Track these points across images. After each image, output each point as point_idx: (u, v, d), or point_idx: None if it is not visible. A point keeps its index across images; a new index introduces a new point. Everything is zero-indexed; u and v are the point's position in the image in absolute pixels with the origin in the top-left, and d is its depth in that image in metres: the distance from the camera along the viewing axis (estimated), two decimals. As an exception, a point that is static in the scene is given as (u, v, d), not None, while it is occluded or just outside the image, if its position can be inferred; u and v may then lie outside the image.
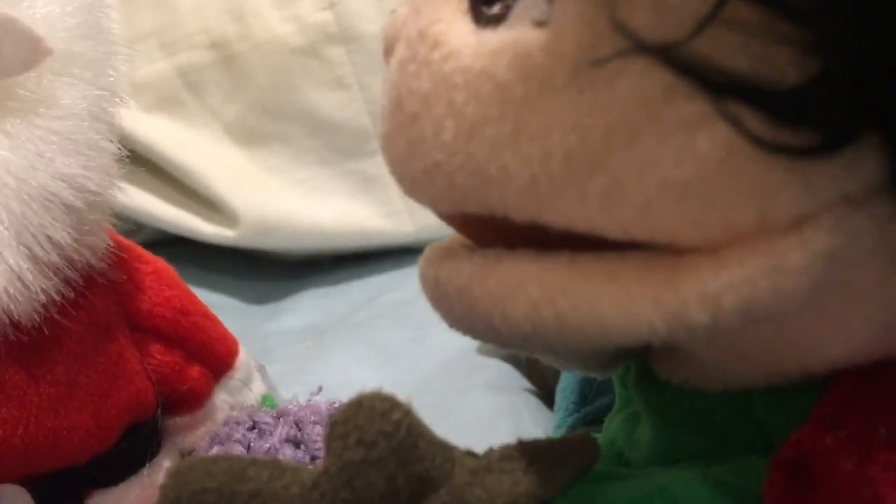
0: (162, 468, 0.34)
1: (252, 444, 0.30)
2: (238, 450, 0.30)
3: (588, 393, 0.40)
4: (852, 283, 0.19)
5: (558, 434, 0.42)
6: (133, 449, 0.32)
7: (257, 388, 0.39)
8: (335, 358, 0.57)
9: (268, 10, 0.71)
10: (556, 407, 0.43)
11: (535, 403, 0.47)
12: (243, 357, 0.38)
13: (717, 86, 0.17)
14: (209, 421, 0.36)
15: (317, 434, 0.30)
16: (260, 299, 0.69)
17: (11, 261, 0.26)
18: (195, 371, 0.35)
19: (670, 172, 0.18)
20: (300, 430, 0.31)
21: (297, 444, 0.30)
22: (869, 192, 0.17)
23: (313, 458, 0.30)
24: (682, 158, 0.18)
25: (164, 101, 0.71)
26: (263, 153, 0.71)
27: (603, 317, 0.19)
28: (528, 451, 0.21)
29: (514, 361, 0.52)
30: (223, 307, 0.69)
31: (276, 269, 0.73)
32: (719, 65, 0.17)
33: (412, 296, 0.71)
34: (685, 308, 0.18)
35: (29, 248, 0.27)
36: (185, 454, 0.36)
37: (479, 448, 0.44)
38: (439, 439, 0.20)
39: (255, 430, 0.31)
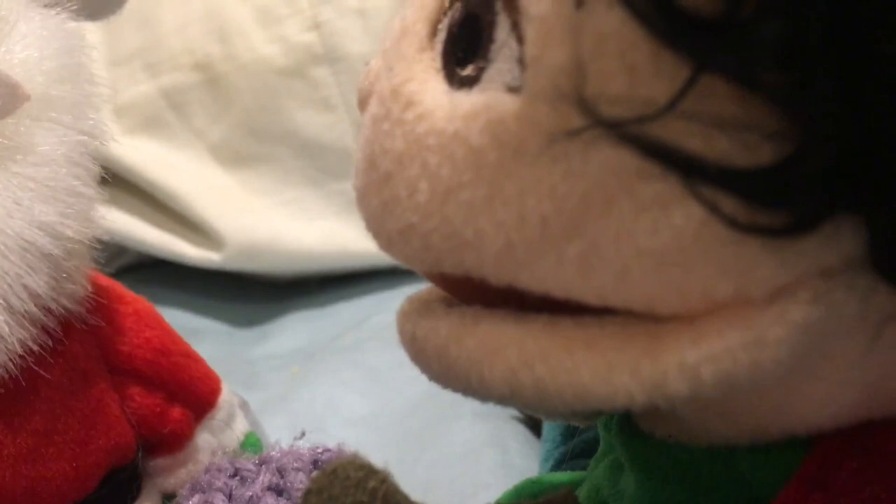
0: (143, 511, 0.34)
1: (234, 492, 0.30)
2: (219, 498, 0.30)
3: (575, 426, 0.40)
4: (835, 352, 0.19)
5: (545, 466, 0.42)
6: (113, 494, 0.32)
7: (240, 427, 0.38)
8: (322, 383, 0.57)
9: (252, 30, 0.70)
10: (543, 438, 0.43)
11: (522, 432, 0.47)
12: (226, 395, 0.38)
13: (688, 169, 0.17)
14: (191, 462, 0.36)
15: (299, 481, 0.30)
16: (246, 323, 0.69)
17: None
18: (176, 412, 0.35)
19: (646, 242, 0.18)
20: (282, 477, 0.30)
21: (279, 492, 0.30)
22: (848, 264, 0.17)
23: None
24: (658, 230, 0.18)
25: (149, 122, 0.71)
26: (249, 174, 0.71)
27: (581, 384, 0.19)
28: None
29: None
30: (208, 331, 0.69)
31: (261, 292, 0.72)
32: (689, 148, 0.17)
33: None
34: (664, 378, 0.18)
35: (5, 299, 0.26)
36: (165, 497, 0.36)
37: (465, 479, 0.44)
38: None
39: (237, 478, 0.31)
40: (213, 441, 0.36)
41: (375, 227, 0.22)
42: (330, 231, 0.70)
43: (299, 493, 0.29)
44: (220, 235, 0.68)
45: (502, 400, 0.20)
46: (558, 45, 0.17)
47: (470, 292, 0.21)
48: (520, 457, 0.45)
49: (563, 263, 0.19)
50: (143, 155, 0.69)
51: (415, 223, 0.20)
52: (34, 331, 0.27)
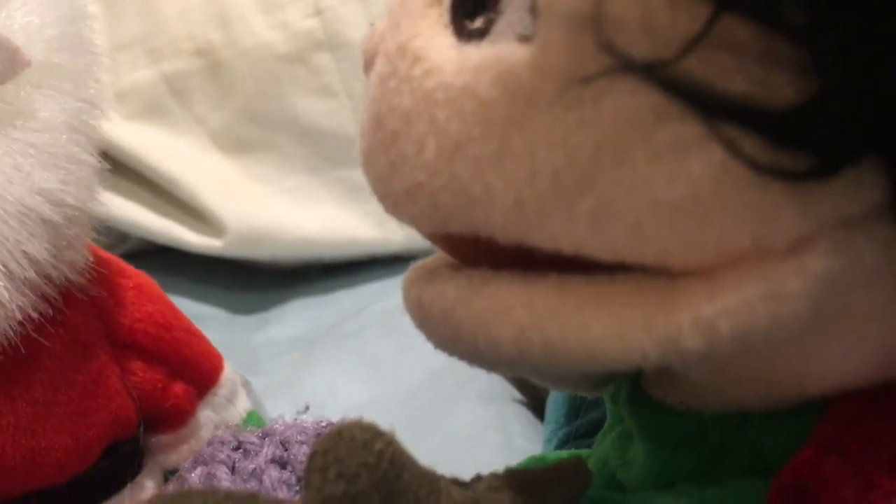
0: (144, 487, 0.33)
1: (237, 465, 0.30)
2: (222, 470, 0.29)
3: (579, 406, 0.40)
4: (855, 307, 0.18)
5: (549, 447, 0.42)
6: (114, 468, 0.32)
7: (242, 404, 0.38)
8: (323, 369, 0.57)
9: (254, 16, 0.70)
10: (546, 419, 0.42)
11: (524, 415, 0.47)
12: (228, 372, 0.37)
13: (710, 108, 0.16)
14: (193, 439, 0.35)
15: (303, 454, 0.29)
16: (247, 310, 0.68)
17: None
18: (178, 388, 0.34)
19: (661, 193, 0.17)
20: (286, 450, 0.30)
21: (282, 465, 0.30)
22: (869, 214, 0.17)
23: (299, 479, 0.29)
24: (674, 179, 0.17)
25: (150, 109, 0.70)
26: (250, 161, 0.70)
27: (593, 343, 0.18)
28: (516, 481, 0.20)
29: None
30: (210, 318, 0.68)
31: (263, 279, 0.72)
32: (712, 86, 0.16)
33: (401, 305, 0.70)
34: (679, 334, 0.18)
35: (4, 265, 0.26)
36: (168, 472, 0.35)
37: (468, 462, 0.43)
38: (424, 469, 0.19)
39: (240, 450, 0.30)
40: (215, 418, 0.36)
41: (382, 188, 0.21)
42: (331, 218, 0.70)
43: (303, 466, 0.29)
44: (221, 222, 0.68)
45: (511, 363, 0.20)
46: None
47: (477, 254, 0.21)
48: (522, 439, 0.44)
49: (574, 218, 0.18)
50: (144, 141, 0.69)
51: (422, 181, 0.20)
52: (34, 298, 0.27)
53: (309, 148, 0.70)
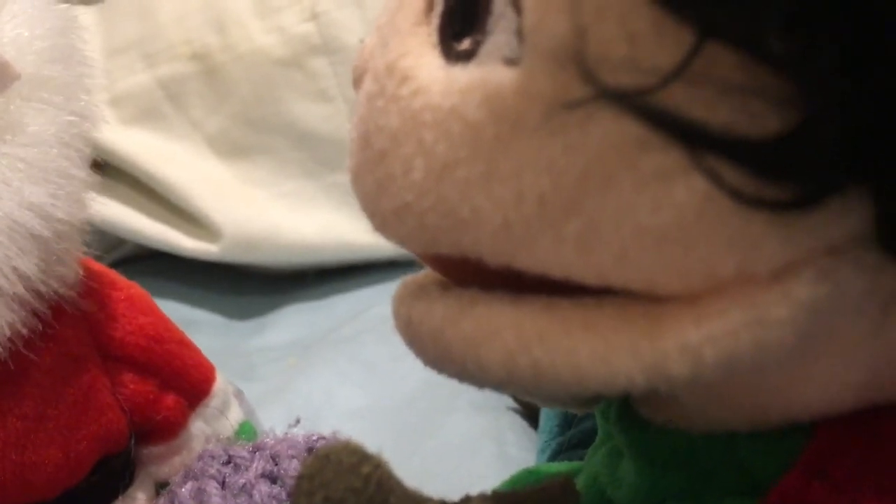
0: (136, 500, 0.33)
1: (227, 479, 0.29)
2: (212, 485, 0.29)
3: (572, 416, 0.40)
4: (841, 332, 0.18)
5: (542, 458, 0.42)
6: (105, 481, 0.32)
7: (234, 415, 0.38)
8: (319, 375, 0.56)
9: (250, 21, 0.70)
10: (539, 429, 0.42)
11: (519, 424, 0.47)
12: (220, 383, 0.37)
13: (692, 138, 0.16)
14: (185, 450, 0.35)
15: (294, 469, 0.29)
16: (243, 315, 0.68)
17: None
18: (170, 400, 0.34)
19: (647, 219, 0.17)
20: (276, 464, 0.30)
21: (273, 480, 0.30)
22: (855, 241, 0.17)
23: (290, 495, 0.29)
24: (659, 206, 0.17)
25: (146, 113, 0.70)
26: (246, 166, 0.70)
27: (580, 367, 0.18)
28: (505, 502, 0.20)
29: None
30: (205, 323, 0.68)
31: (259, 284, 0.72)
32: (693, 117, 0.16)
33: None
34: (664, 360, 0.18)
35: None
36: (159, 484, 0.35)
37: (462, 471, 0.43)
38: (412, 492, 0.19)
39: (231, 465, 0.30)
40: (207, 429, 0.36)
41: (370, 207, 0.21)
42: (327, 223, 0.70)
43: (293, 482, 0.29)
44: (217, 227, 0.68)
45: (499, 384, 0.20)
46: (557, 13, 0.17)
47: (466, 274, 0.21)
48: (516, 448, 0.44)
49: (561, 242, 0.18)
50: (139, 146, 0.69)
51: (410, 202, 0.20)
52: (24, 314, 0.27)
53: (305, 152, 0.70)
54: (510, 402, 0.49)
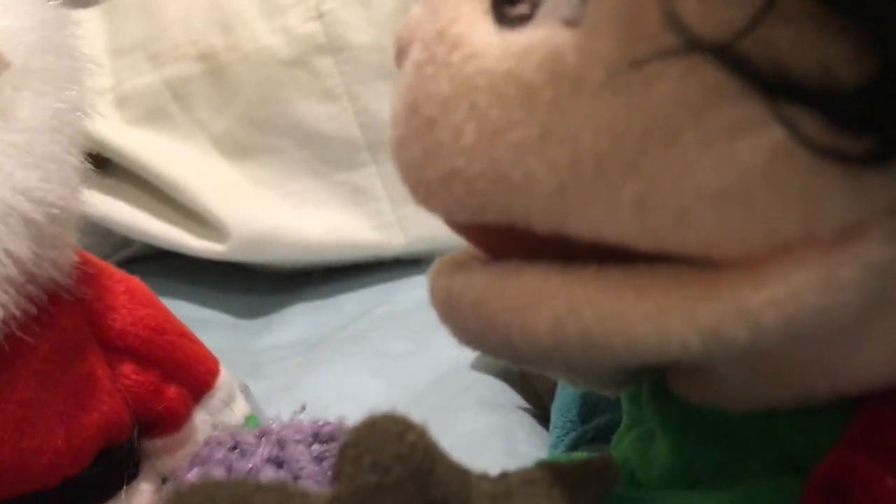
0: (141, 492, 0.33)
1: (234, 465, 0.29)
2: (219, 471, 0.29)
3: (586, 412, 0.39)
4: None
5: (555, 453, 0.41)
6: (108, 472, 0.31)
7: (240, 409, 0.38)
8: (326, 373, 0.56)
9: (256, 21, 0.70)
10: (551, 425, 0.42)
11: (528, 421, 0.46)
12: (225, 376, 0.37)
13: (774, 87, 0.16)
14: (189, 442, 0.35)
15: (299, 453, 0.29)
16: (249, 314, 0.68)
17: None
18: (172, 391, 0.34)
19: (710, 179, 0.17)
20: (282, 449, 0.29)
21: (279, 464, 0.29)
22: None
23: (296, 479, 0.29)
24: (723, 164, 0.17)
25: (152, 113, 0.70)
26: (252, 166, 0.70)
27: (632, 331, 0.18)
28: (548, 475, 0.20)
29: (508, 378, 0.51)
30: (212, 322, 0.68)
31: (265, 283, 0.72)
32: (777, 65, 0.16)
33: (404, 308, 0.70)
34: (721, 324, 0.17)
35: None
36: (164, 477, 0.35)
37: (472, 467, 0.42)
38: (456, 463, 0.19)
39: (237, 451, 0.30)
40: (211, 421, 0.36)
41: (414, 176, 0.21)
42: (333, 222, 0.69)
43: (300, 466, 0.29)
44: (223, 226, 0.68)
45: (545, 354, 0.19)
46: None
47: (509, 245, 0.20)
48: (526, 445, 0.44)
49: (617, 206, 0.18)
50: (146, 146, 0.69)
51: (459, 167, 0.20)
52: (17, 296, 0.27)
53: (311, 152, 0.70)
54: (519, 400, 0.49)
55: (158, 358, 0.34)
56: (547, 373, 0.25)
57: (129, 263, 0.71)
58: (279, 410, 0.49)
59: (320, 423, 0.31)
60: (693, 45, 0.16)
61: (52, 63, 0.29)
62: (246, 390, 0.39)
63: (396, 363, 0.56)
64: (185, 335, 0.36)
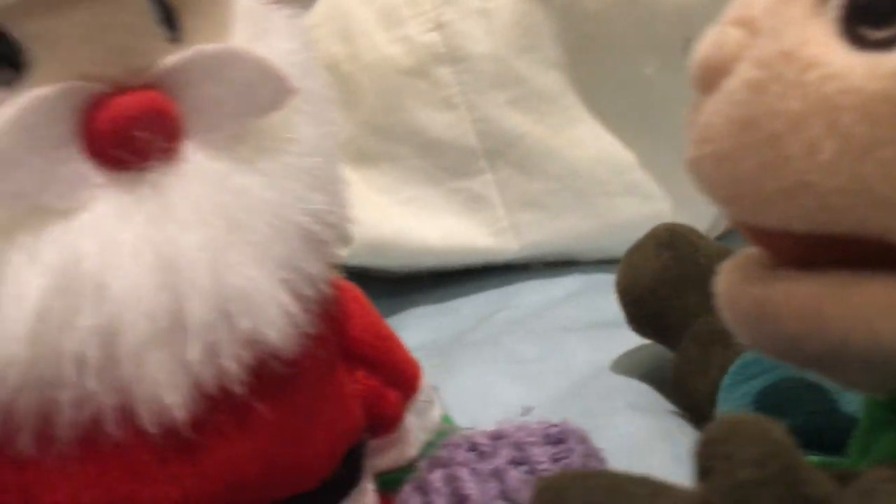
0: (365, 490, 0.35)
1: (476, 467, 0.31)
2: (463, 472, 0.31)
3: (777, 415, 0.40)
4: None
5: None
6: (349, 473, 0.33)
7: (437, 409, 0.39)
8: (462, 377, 0.57)
9: (375, 31, 0.72)
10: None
11: (686, 426, 0.47)
12: (425, 378, 0.39)
13: None
14: (399, 443, 0.37)
15: (539, 455, 0.31)
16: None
17: (280, 297, 0.27)
18: (391, 394, 0.36)
19: None
20: (521, 451, 0.31)
21: (518, 466, 0.31)
22: None
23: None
24: None
25: (276, 121, 0.72)
26: (373, 172, 0.72)
27: None
28: None
29: (653, 382, 0.52)
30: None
31: (379, 288, 0.73)
32: None
33: (525, 313, 0.71)
34: None
35: (289, 283, 0.28)
36: (376, 477, 0.37)
37: (642, 471, 0.44)
38: (813, 462, 0.20)
39: (474, 452, 0.32)
40: (418, 422, 0.38)
41: (744, 188, 0.23)
42: (450, 228, 0.71)
43: (542, 467, 0.30)
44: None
45: (869, 361, 0.21)
46: None
47: (821, 253, 0.22)
48: (689, 450, 0.45)
49: None
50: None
51: (811, 181, 0.21)
52: (310, 314, 0.29)
53: (428, 159, 0.72)
54: (668, 405, 0.50)
55: (381, 363, 0.35)
56: (835, 377, 0.27)
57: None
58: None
59: (546, 425, 0.33)
60: None
61: (313, 83, 0.31)
62: (437, 390, 0.41)
63: (531, 367, 0.58)
64: (396, 340, 0.37)
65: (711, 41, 0.24)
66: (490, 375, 0.57)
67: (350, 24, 0.72)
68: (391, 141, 0.72)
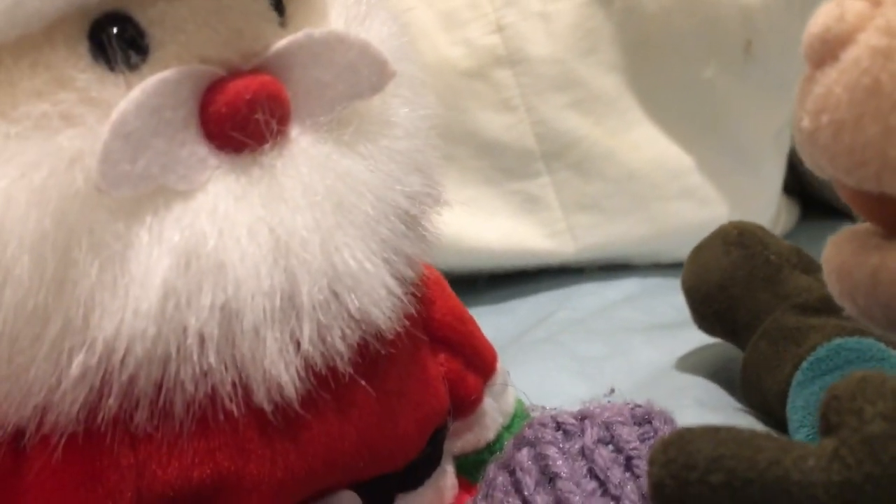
0: (446, 472, 0.35)
1: (562, 446, 0.31)
2: (552, 451, 0.31)
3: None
4: None
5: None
6: (433, 453, 0.34)
7: (511, 392, 0.40)
8: (526, 374, 0.57)
9: (436, 33, 0.73)
10: (793, 424, 0.43)
11: (754, 422, 0.47)
12: (500, 362, 0.39)
13: None
14: (476, 426, 0.37)
15: (626, 435, 0.31)
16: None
17: (385, 277, 0.28)
18: (471, 377, 0.36)
19: None
20: (608, 430, 0.31)
21: (606, 444, 0.31)
22: None
23: (628, 459, 0.30)
24: None
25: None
26: (431, 173, 0.73)
27: None
28: None
29: (721, 381, 0.52)
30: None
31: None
32: None
33: (584, 314, 0.71)
34: None
35: (392, 264, 0.28)
36: (454, 459, 0.37)
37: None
38: None
39: (560, 431, 0.32)
40: (494, 405, 0.38)
41: (867, 155, 0.23)
42: (508, 229, 0.72)
43: (630, 447, 0.31)
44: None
45: None
46: None
47: None
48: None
49: None
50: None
51: None
52: (410, 295, 0.29)
53: (486, 160, 0.72)
54: (736, 403, 0.50)
55: (462, 346, 0.36)
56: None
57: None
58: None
59: (630, 405, 0.33)
60: None
61: (409, 68, 0.31)
62: (508, 375, 0.41)
63: (595, 366, 0.58)
64: (475, 323, 0.38)
65: (829, 14, 0.25)
66: (553, 373, 0.57)
67: (411, 26, 0.73)
68: (449, 141, 0.72)
